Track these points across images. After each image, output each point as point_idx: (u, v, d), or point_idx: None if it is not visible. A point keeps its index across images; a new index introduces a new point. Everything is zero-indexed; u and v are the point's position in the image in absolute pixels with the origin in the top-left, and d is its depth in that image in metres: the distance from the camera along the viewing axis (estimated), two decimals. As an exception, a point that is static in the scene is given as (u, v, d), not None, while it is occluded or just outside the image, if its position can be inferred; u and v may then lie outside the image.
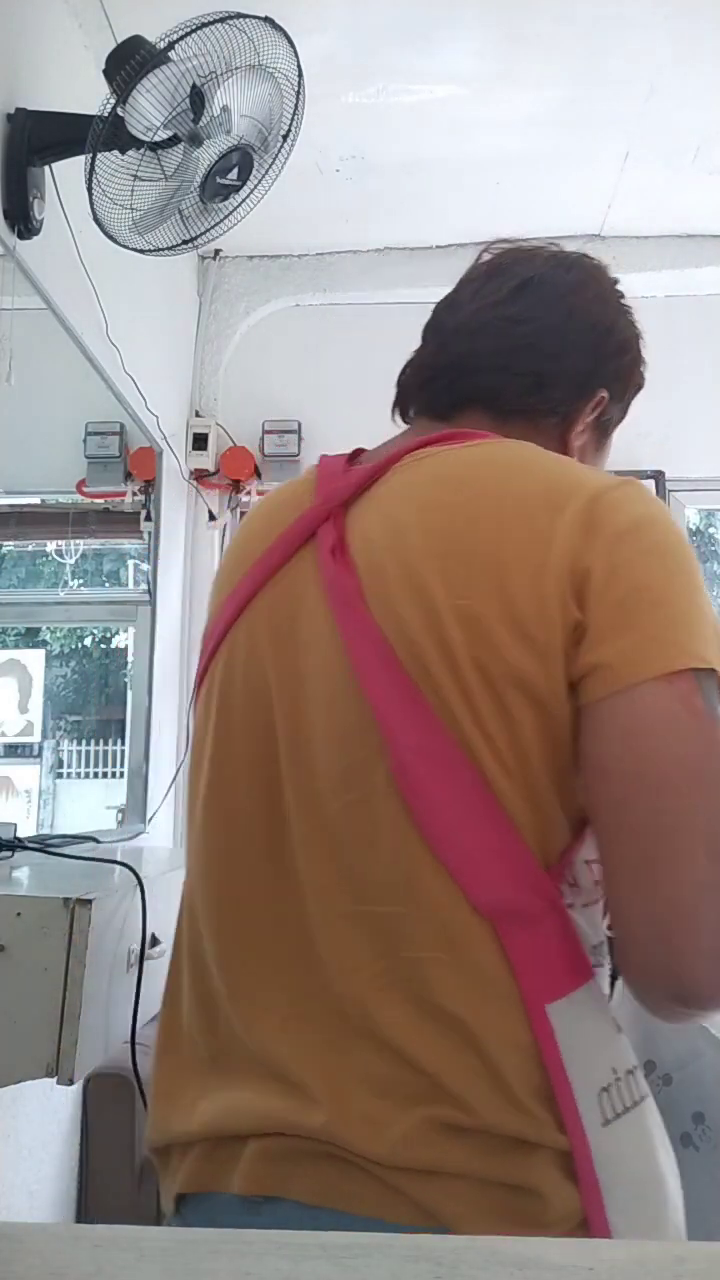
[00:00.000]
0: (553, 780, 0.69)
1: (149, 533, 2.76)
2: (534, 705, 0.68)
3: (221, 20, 1.55)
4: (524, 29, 2.14)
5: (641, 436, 2.42)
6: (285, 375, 3.03)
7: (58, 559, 2.78)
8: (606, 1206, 0.65)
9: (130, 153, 1.67)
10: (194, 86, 1.61)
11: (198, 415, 2.99)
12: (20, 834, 1.51)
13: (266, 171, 1.83)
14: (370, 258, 3.04)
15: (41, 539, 2.76)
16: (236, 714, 0.81)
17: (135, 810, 2.64)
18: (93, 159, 1.65)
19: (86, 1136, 2.16)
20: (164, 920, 1.30)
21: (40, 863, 1.44)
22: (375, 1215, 0.66)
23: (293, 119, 1.76)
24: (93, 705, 3.08)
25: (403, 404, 0.93)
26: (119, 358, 2.31)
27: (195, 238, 1.85)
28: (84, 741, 2.96)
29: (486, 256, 0.93)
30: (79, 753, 2.91)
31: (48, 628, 2.96)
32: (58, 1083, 1.04)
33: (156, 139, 1.66)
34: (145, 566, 2.82)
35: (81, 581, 2.87)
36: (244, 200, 1.86)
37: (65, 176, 1.85)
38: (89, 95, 1.70)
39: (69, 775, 2.82)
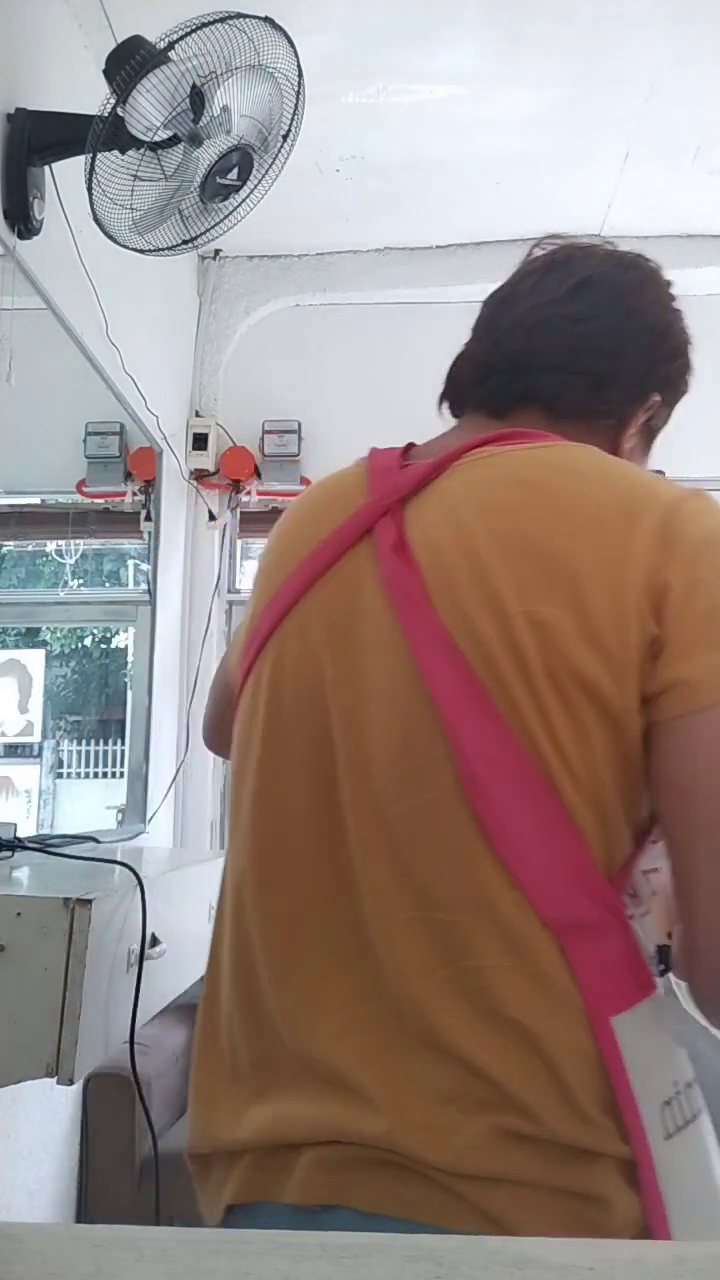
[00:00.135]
0: (620, 792, 0.69)
1: (149, 533, 2.77)
2: (605, 718, 0.68)
3: (221, 20, 1.55)
4: (524, 29, 2.14)
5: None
6: (285, 375, 3.04)
7: (58, 559, 2.78)
8: (669, 1218, 0.65)
9: (130, 153, 1.67)
10: (194, 86, 1.61)
11: (198, 415, 3.00)
12: (20, 834, 1.51)
13: (266, 171, 1.83)
14: (370, 258, 3.04)
15: (41, 539, 2.75)
16: (288, 710, 0.79)
17: (135, 810, 2.64)
18: (93, 159, 1.65)
19: (86, 1136, 2.17)
20: (164, 920, 1.30)
21: (40, 863, 1.44)
22: (437, 1223, 0.65)
23: (293, 119, 1.77)
24: (93, 705, 3.08)
25: (453, 398, 0.90)
26: (119, 358, 2.31)
27: (195, 238, 1.85)
28: (84, 741, 2.95)
29: (539, 251, 0.90)
30: (79, 753, 2.91)
31: (48, 628, 2.96)
32: (58, 1083, 1.04)
33: (156, 139, 1.66)
34: (145, 566, 2.82)
35: (81, 581, 2.87)
36: (244, 200, 1.86)
37: (65, 176, 1.85)
38: (89, 95, 1.71)
39: (69, 775, 2.81)
